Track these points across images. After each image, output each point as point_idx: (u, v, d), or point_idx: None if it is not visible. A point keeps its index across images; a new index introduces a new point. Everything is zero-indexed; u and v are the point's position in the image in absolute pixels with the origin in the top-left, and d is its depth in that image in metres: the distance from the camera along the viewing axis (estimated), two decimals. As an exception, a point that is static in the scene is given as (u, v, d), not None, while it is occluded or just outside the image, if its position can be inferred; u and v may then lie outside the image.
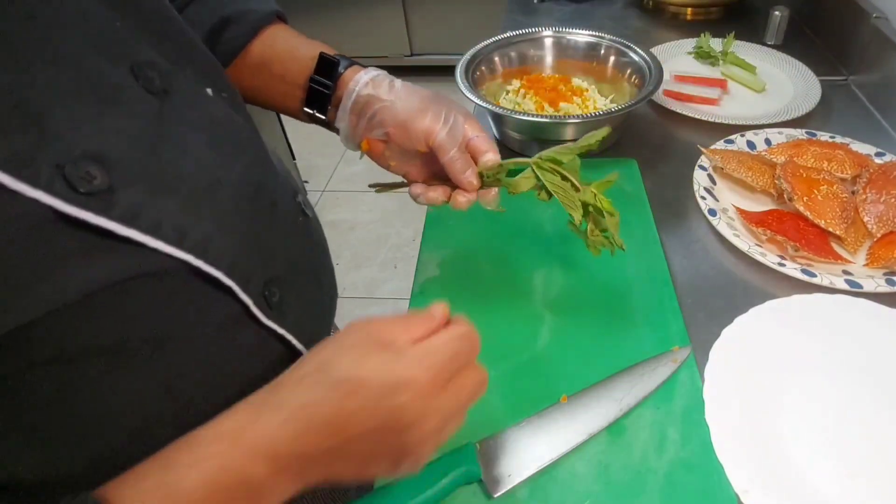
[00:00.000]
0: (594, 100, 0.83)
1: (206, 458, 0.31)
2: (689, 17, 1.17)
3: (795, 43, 1.03)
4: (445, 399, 0.34)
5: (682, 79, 0.93)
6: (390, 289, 1.87)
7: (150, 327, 0.34)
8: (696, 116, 0.84)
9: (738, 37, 1.00)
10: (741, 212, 0.68)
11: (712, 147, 0.76)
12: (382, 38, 2.63)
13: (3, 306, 0.27)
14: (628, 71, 0.84)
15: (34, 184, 0.27)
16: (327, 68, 0.53)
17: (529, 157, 0.52)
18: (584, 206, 0.51)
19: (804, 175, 0.68)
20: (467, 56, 0.83)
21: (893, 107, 0.84)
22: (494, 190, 0.53)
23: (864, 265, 0.63)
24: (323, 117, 0.54)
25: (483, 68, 0.85)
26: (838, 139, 0.77)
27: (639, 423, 0.49)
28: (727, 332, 0.55)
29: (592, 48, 0.88)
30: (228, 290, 0.37)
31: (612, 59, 0.86)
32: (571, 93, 0.82)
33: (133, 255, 0.31)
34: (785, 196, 0.67)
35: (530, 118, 0.74)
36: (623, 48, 0.85)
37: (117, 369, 0.33)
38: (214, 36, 0.52)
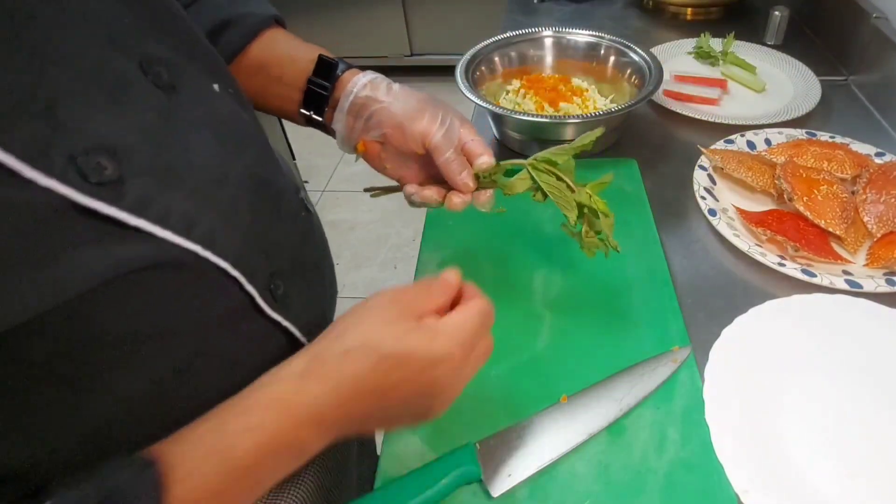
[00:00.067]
0: (594, 100, 0.83)
1: (258, 426, 0.34)
2: (689, 17, 1.17)
3: (795, 43, 1.03)
4: (469, 367, 0.39)
5: (682, 79, 0.93)
6: (390, 289, 1.87)
7: (157, 319, 0.34)
8: (696, 116, 0.84)
9: (738, 37, 1.00)
10: (741, 212, 0.68)
11: (712, 147, 0.76)
12: (382, 38, 2.63)
13: (17, 295, 0.27)
14: (628, 71, 0.84)
15: (49, 172, 0.27)
16: (326, 70, 0.53)
17: (529, 157, 0.52)
18: (580, 206, 0.51)
19: (804, 175, 0.68)
20: (467, 56, 0.83)
21: (893, 107, 0.84)
22: (489, 192, 0.53)
23: (864, 265, 0.63)
24: (320, 119, 0.54)
25: (483, 68, 0.85)
26: (838, 139, 0.77)
27: (639, 423, 0.49)
28: (727, 332, 0.55)
29: (592, 48, 0.88)
30: (234, 281, 0.37)
31: (612, 59, 0.86)
32: (571, 93, 0.82)
33: (142, 246, 0.31)
34: (785, 196, 0.67)
35: (530, 118, 0.74)
36: (623, 48, 0.85)
37: (124, 360, 0.33)
38: (213, 38, 0.52)
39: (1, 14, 0.28)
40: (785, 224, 0.64)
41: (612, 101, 0.84)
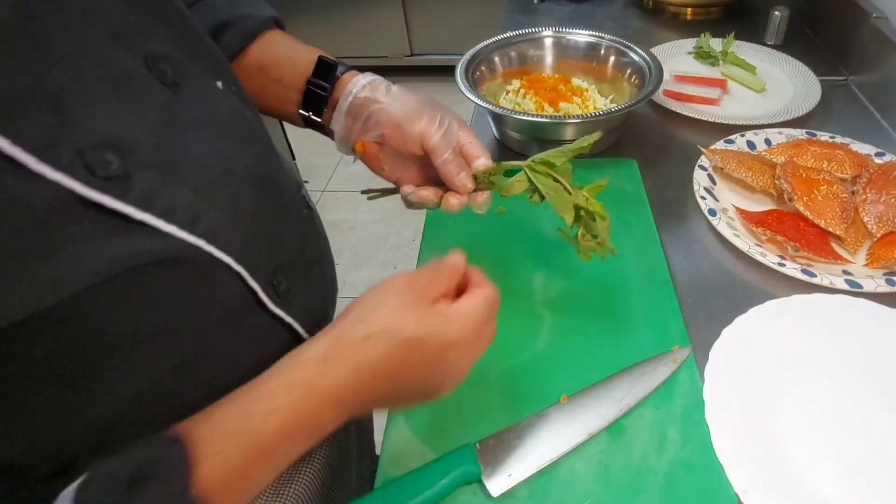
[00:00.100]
0: (594, 100, 0.83)
1: (283, 408, 0.35)
2: (689, 17, 1.17)
3: (795, 43, 1.03)
4: (477, 351, 0.41)
5: (682, 79, 0.93)
6: (390, 289, 1.87)
7: (158, 317, 0.34)
8: (696, 116, 0.84)
9: (738, 37, 1.00)
10: (741, 212, 0.68)
11: (712, 147, 0.76)
12: (382, 38, 2.63)
13: (24, 288, 0.27)
14: (628, 71, 0.84)
15: (57, 166, 0.27)
16: (325, 71, 0.53)
17: (529, 157, 0.52)
18: (576, 209, 0.51)
19: (804, 175, 0.68)
20: (467, 56, 0.83)
21: (893, 107, 0.84)
22: (485, 194, 0.53)
23: (864, 265, 0.63)
24: (318, 119, 0.55)
25: (483, 68, 0.85)
26: (838, 139, 0.77)
27: (639, 423, 0.49)
28: (727, 332, 0.55)
29: (592, 48, 0.88)
30: (237, 276, 0.38)
31: (611, 59, 0.86)
32: (571, 93, 0.82)
33: (147, 240, 0.32)
34: (785, 196, 0.67)
35: (530, 118, 0.74)
36: (623, 48, 0.85)
37: (125, 360, 0.33)
38: (212, 39, 0.52)
39: (0, 14, 0.28)
40: (785, 224, 0.64)
41: (612, 101, 0.84)
